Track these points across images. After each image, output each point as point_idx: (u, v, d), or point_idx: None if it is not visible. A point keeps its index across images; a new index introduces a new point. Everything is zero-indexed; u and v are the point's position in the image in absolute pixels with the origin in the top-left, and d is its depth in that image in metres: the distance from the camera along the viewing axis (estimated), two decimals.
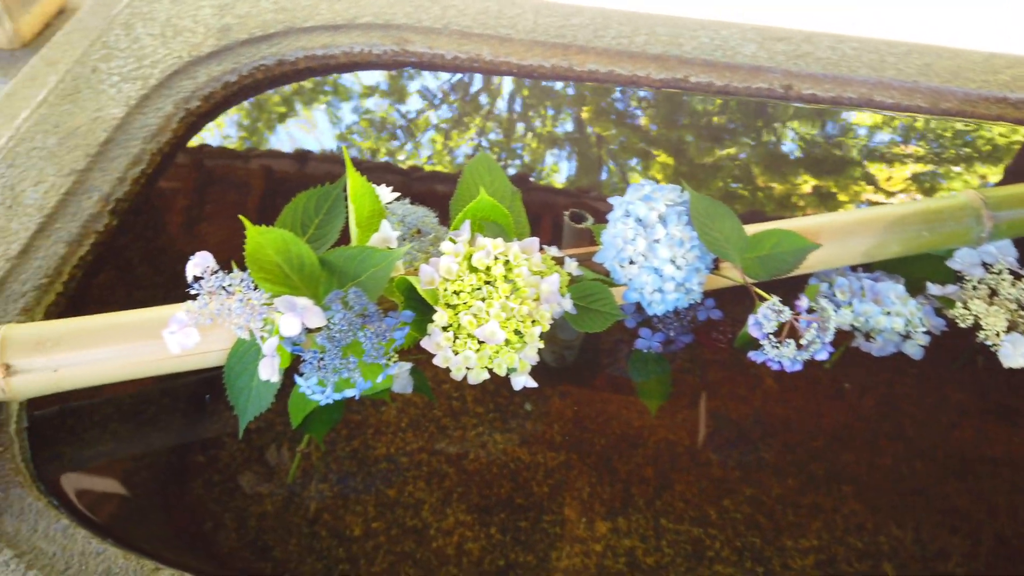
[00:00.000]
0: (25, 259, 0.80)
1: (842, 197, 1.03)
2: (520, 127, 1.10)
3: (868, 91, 1.06)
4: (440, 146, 1.06)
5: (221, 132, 1.03)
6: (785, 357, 0.67)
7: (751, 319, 0.69)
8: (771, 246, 0.79)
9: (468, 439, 0.76)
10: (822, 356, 0.68)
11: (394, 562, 0.68)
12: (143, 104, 0.96)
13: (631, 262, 0.75)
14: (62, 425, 0.75)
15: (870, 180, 1.05)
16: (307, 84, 1.11)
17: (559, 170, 1.06)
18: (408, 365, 0.78)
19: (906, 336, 0.81)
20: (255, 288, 0.63)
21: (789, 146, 1.08)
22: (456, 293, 0.68)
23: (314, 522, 0.70)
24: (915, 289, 0.85)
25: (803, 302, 0.69)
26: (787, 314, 0.67)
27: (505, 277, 0.68)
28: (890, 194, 1.04)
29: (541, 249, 0.78)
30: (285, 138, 1.06)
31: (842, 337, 0.84)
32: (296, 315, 0.62)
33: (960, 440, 0.80)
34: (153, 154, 0.94)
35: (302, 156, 1.04)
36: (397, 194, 0.77)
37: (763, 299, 0.72)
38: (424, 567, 0.67)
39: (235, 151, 1.02)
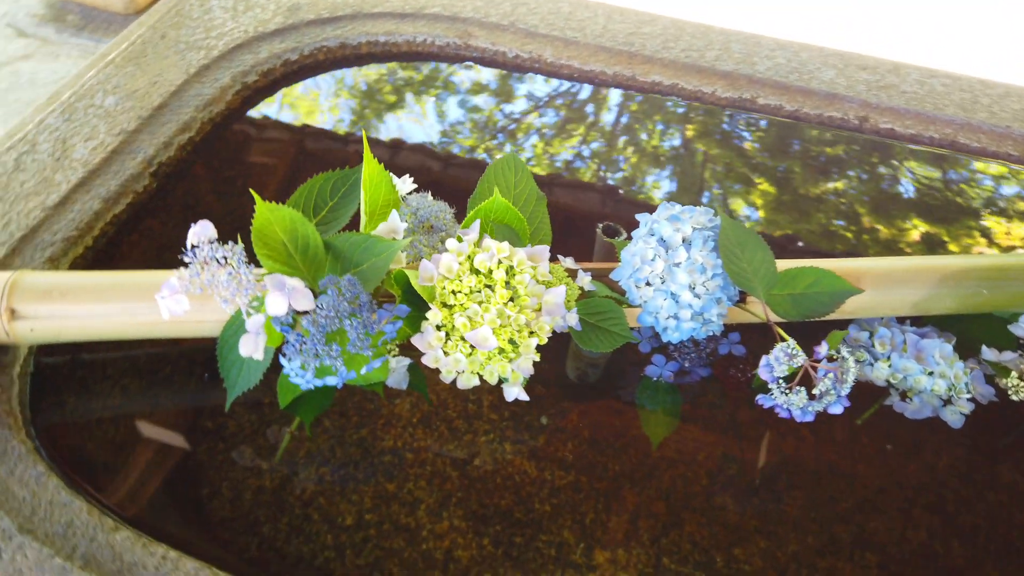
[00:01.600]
0: (61, 211, 0.82)
1: (952, 247, 0.96)
2: (623, 139, 1.06)
3: (953, 132, 0.98)
4: (540, 150, 1.03)
5: (275, 109, 1.04)
6: (795, 405, 0.62)
7: (763, 360, 0.64)
8: (806, 285, 0.73)
9: (477, 444, 0.74)
10: (836, 410, 0.63)
11: (380, 558, 0.66)
12: (202, 73, 0.98)
13: (647, 284, 0.71)
14: (72, 375, 0.77)
15: (985, 232, 0.96)
16: (413, 73, 1.11)
17: (659, 187, 1.01)
18: (407, 361, 0.76)
19: (947, 401, 0.74)
20: (247, 263, 0.62)
21: (902, 187, 1.01)
22: (454, 293, 0.66)
23: (308, 504, 0.69)
24: (968, 351, 0.78)
25: (822, 348, 0.63)
26: (801, 359, 0.62)
27: (506, 283, 0.66)
28: (1007, 249, 0.95)
29: (556, 259, 0.75)
30: (337, 121, 1.06)
31: (877, 393, 0.77)
32: (284, 295, 0.61)
33: (1007, 524, 0.72)
34: (203, 123, 0.95)
35: (352, 141, 1.04)
36: (415, 185, 0.75)
37: (784, 340, 0.66)
38: (409, 568, 0.65)
39: (285, 129, 1.03)
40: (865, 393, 0.77)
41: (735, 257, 0.70)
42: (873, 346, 0.77)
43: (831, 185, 0.99)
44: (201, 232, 0.63)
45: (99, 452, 0.72)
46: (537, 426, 0.75)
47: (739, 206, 0.97)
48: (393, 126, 1.06)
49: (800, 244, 0.94)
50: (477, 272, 0.66)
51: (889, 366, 0.75)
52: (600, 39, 1.06)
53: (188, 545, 0.65)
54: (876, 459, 0.75)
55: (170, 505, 0.70)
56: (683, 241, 0.70)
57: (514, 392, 0.68)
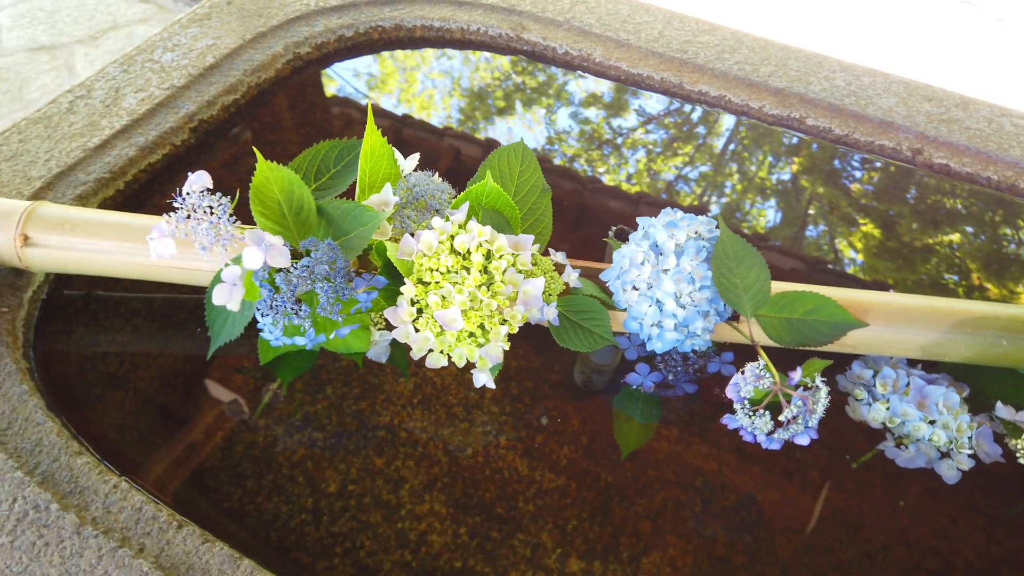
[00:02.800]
0: (99, 153, 0.87)
1: None
2: (732, 165, 1.03)
3: (1014, 176, 0.92)
4: (642, 166, 1.02)
5: (323, 82, 1.07)
6: (759, 430, 0.59)
7: (733, 378, 0.61)
8: (805, 311, 0.70)
9: (473, 434, 0.74)
10: (802, 440, 0.59)
11: (355, 529, 0.67)
12: (257, 40, 1.02)
13: (634, 288, 0.69)
14: (84, 308, 0.81)
15: None
16: (457, 61, 1.12)
17: (764, 216, 0.97)
18: (391, 335, 0.76)
19: (945, 454, 0.69)
20: (231, 215, 0.64)
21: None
22: (431, 271, 0.65)
23: (296, 466, 0.70)
24: (982, 406, 0.72)
25: (795, 375, 0.60)
26: (769, 381, 0.58)
27: (483, 267, 0.65)
28: None
29: (546, 253, 0.74)
30: (381, 100, 1.07)
31: (875, 438, 0.72)
32: (260, 250, 0.63)
33: None
34: (250, 87, 0.98)
35: (394, 120, 1.06)
36: (415, 162, 0.76)
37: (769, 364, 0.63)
38: (382, 543, 0.65)
39: (329, 102, 1.05)
40: (864, 433, 0.73)
41: (728, 271, 0.68)
42: (875, 386, 0.72)
43: (943, 236, 0.93)
44: (196, 181, 0.65)
45: (95, 383, 0.75)
46: (536, 425, 0.74)
47: (842, 247, 0.93)
48: (436, 110, 1.07)
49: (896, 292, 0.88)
50: (456, 253, 0.66)
51: (887, 408, 0.70)
52: (653, 44, 1.04)
53: (166, 486, 0.68)
54: (886, 514, 0.70)
55: (159, 446, 0.72)
56: (676, 248, 0.68)
57: (482, 378, 0.68)
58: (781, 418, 0.59)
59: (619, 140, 1.03)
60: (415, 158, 0.77)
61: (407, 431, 0.73)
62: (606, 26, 1.07)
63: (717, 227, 0.71)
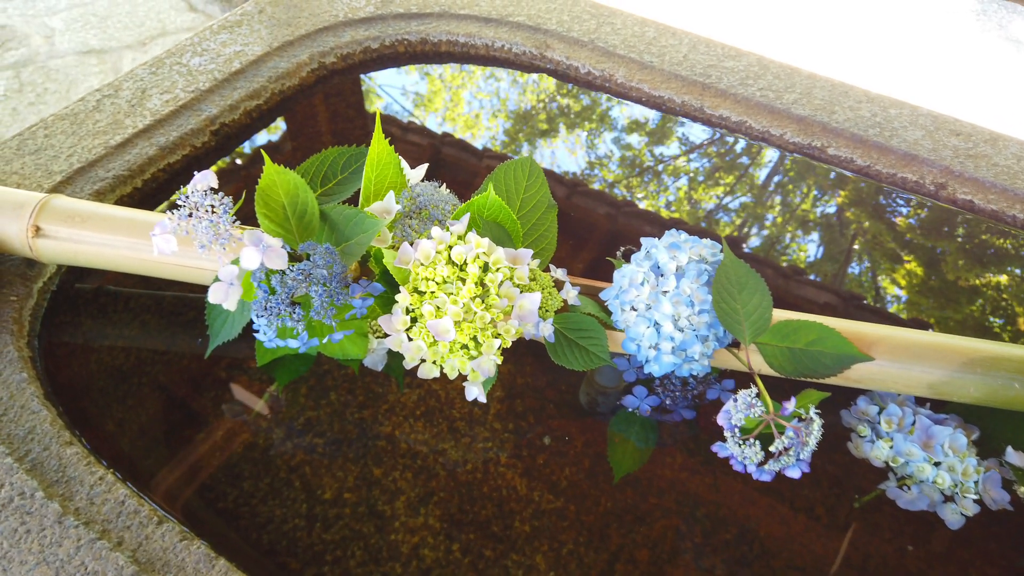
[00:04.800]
0: (120, 151, 0.88)
1: None
2: (775, 197, 1.01)
3: None
4: (683, 194, 1.01)
5: (346, 92, 1.08)
6: (749, 459, 0.57)
7: (725, 405, 0.60)
8: (808, 341, 0.68)
9: (473, 450, 0.73)
10: (793, 473, 0.57)
11: (347, 537, 0.66)
12: (284, 48, 1.03)
13: (632, 308, 0.68)
14: (94, 302, 0.82)
15: None
16: (482, 76, 1.13)
17: (805, 251, 0.94)
18: (387, 343, 0.76)
19: (949, 498, 0.66)
20: (232, 216, 0.64)
21: None
22: (427, 280, 0.65)
23: (294, 470, 0.70)
24: (992, 450, 0.69)
25: (789, 404, 0.58)
26: (760, 410, 0.57)
27: (480, 279, 0.65)
28: None
29: (546, 270, 0.73)
30: (402, 114, 1.08)
31: (877, 477, 0.70)
32: (258, 251, 0.63)
33: None
34: (274, 93, 1.00)
35: (413, 133, 1.06)
36: (423, 173, 0.76)
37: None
38: (372, 553, 0.65)
39: (351, 112, 1.06)
40: (867, 471, 0.71)
41: (729, 296, 0.66)
42: (880, 423, 0.70)
43: (990, 277, 0.90)
44: (201, 180, 0.66)
45: (99, 376, 0.76)
46: (538, 445, 0.73)
47: (884, 283, 0.90)
48: (456, 126, 1.08)
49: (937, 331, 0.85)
50: (453, 263, 0.65)
51: (891, 447, 0.68)
52: (677, 67, 1.04)
53: (161, 482, 0.68)
54: (892, 559, 0.67)
55: (158, 442, 0.72)
56: (677, 270, 0.67)
57: (473, 391, 0.67)
58: (772, 448, 0.58)
59: (657, 166, 1.02)
60: (422, 169, 0.77)
61: (407, 443, 0.72)
62: (630, 47, 1.07)
63: (721, 251, 0.69)
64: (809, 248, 0.94)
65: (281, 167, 0.68)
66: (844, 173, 0.97)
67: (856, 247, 0.93)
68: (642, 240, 0.71)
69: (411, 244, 0.68)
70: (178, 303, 0.83)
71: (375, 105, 1.09)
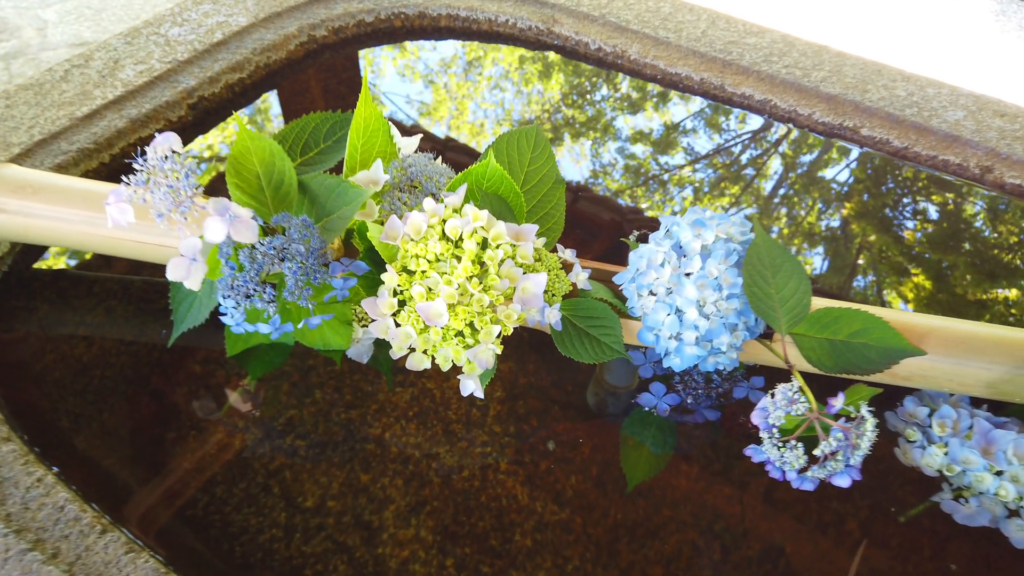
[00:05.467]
0: (87, 123, 0.81)
1: None
2: (781, 210, 0.93)
3: None
4: (701, 183, 0.93)
5: (339, 68, 1.00)
6: (789, 465, 0.49)
7: (760, 401, 0.52)
8: (850, 332, 0.60)
9: (471, 455, 0.66)
10: (842, 482, 0.49)
11: (329, 550, 0.60)
12: (271, 20, 0.96)
13: (651, 293, 0.60)
14: (52, 284, 0.74)
15: None
16: (486, 54, 1.05)
17: (811, 264, 0.88)
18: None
19: (1014, 512, 0.58)
20: (195, 180, 0.56)
21: None
22: (417, 257, 0.57)
23: (272, 475, 0.64)
24: None
25: (836, 401, 0.50)
26: (803, 407, 0.48)
27: (477, 257, 0.57)
28: None
29: (553, 251, 0.65)
30: (400, 96, 1.01)
31: (928, 487, 0.62)
32: (224, 222, 0.55)
33: None
34: (259, 67, 0.93)
35: (416, 118, 0.99)
36: (416, 144, 0.68)
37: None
38: (357, 568, 0.59)
39: (343, 91, 0.99)
40: (915, 481, 0.64)
41: (761, 279, 0.58)
42: (931, 426, 0.62)
43: (999, 292, 0.84)
44: (162, 141, 0.58)
45: (55, 367, 0.69)
46: (542, 450, 0.67)
47: (890, 298, 0.84)
48: (456, 112, 1.00)
49: None
50: (447, 239, 0.57)
51: (945, 453, 0.60)
52: (695, 43, 0.96)
53: (121, 486, 0.61)
54: None
55: (121, 441, 0.65)
56: (702, 250, 0.59)
57: (469, 386, 0.59)
58: (817, 452, 0.49)
59: (673, 153, 0.94)
60: (416, 139, 0.69)
61: (399, 446, 0.66)
62: (644, 23, 0.99)
63: (752, 230, 0.61)
64: (814, 262, 0.86)
65: (256, 132, 0.61)
66: (879, 155, 0.89)
67: (861, 261, 0.85)
68: (661, 218, 0.63)
69: (400, 218, 0.59)
70: (149, 289, 0.76)
71: (372, 86, 1.01)
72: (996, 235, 0.88)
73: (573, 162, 0.94)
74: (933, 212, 0.89)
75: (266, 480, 0.63)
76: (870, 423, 0.48)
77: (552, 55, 1.04)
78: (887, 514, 0.62)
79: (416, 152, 0.68)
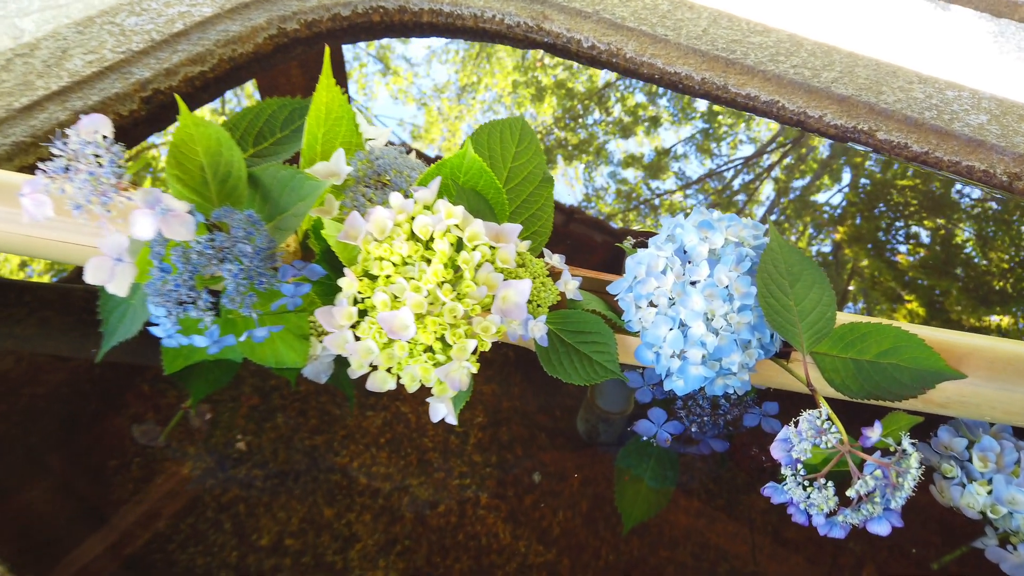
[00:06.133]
0: (25, 115, 0.74)
1: None
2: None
3: None
4: (706, 188, 0.87)
5: (311, 65, 0.93)
6: (816, 507, 0.41)
7: (782, 431, 0.44)
8: (880, 351, 0.52)
9: (448, 487, 0.60)
10: (880, 529, 0.41)
11: None
12: (237, 11, 0.89)
13: (651, 304, 0.52)
14: None
15: None
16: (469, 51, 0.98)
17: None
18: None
19: None
20: (121, 169, 0.48)
21: None
22: (381, 260, 0.49)
23: (224, 509, 0.58)
24: None
25: (872, 433, 0.42)
26: (834, 439, 0.40)
27: (451, 260, 0.49)
28: None
29: (540, 256, 0.57)
30: (379, 99, 0.93)
31: (967, 530, 0.54)
32: (154, 216, 0.47)
33: None
34: (222, 59, 0.85)
35: (396, 125, 0.92)
36: (387, 138, 0.60)
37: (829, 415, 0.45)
38: None
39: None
40: (953, 525, 0.56)
41: (778, 289, 0.50)
42: (971, 460, 0.54)
43: (993, 319, 0.79)
44: (87, 124, 0.50)
45: None
46: (526, 482, 0.61)
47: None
48: (443, 121, 0.93)
49: None
50: (416, 239, 0.50)
51: (989, 492, 0.52)
52: (696, 42, 0.89)
53: (46, 520, 0.55)
54: None
55: (50, 468, 0.58)
56: (710, 255, 0.51)
57: (440, 410, 0.51)
58: (850, 493, 0.41)
59: (668, 163, 0.87)
60: (387, 132, 0.61)
61: (368, 477, 0.60)
62: (641, 20, 0.92)
63: (766, 234, 0.53)
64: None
65: (202, 118, 0.53)
66: (896, 160, 0.82)
67: (852, 288, 0.78)
68: (662, 219, 0.56)
69: (363, 215, 0.52)
70: (92, 298, 0.67)
71: (348, 86, 0.94)
72: (995, 260, 0.81)
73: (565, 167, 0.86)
74: (995, 191, 0.82)
75: (217, 514, 0.57)
76: (914, 459, 0.40)
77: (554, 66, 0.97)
78: (911, 557, 0.55)
79: (388, 145, 0.60)
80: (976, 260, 0.84)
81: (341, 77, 0.95)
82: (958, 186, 0.84)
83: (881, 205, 0.86)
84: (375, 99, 0.95)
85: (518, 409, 0.66)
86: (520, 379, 0.67)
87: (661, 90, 0.92)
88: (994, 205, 0.83)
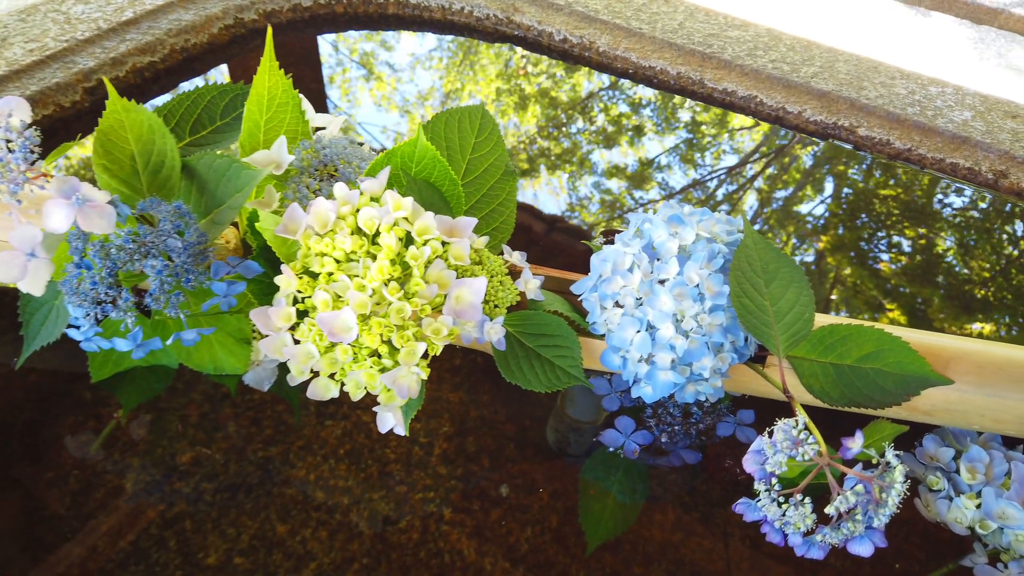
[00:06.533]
0: None
1: None
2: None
3: None
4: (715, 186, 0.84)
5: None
6: (793, 525, 0.37)
7: (755, 442, 0.40)
8: (861, 355, 0.48)
9: (411, 501, 0.57)
10: (861, 550, 0.37)
11: None
12: (191, 0, 0.84)
13: (617, 304, 0.48)
14: None
15: None
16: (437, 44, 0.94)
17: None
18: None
19: None
20: (34, 153, 0.44)
21: None
22: (322, 256, 0.45)
23: (169, 525, 0.55)
24: None
25: (853, 443, 0.38)
26: (811, 450, 0.37)
27: (398, 256, 0.45)
28: None
29: (501, 253, 0.54)
30: (344, 95, 0.90)
31: (954, 547, 0.50)
32: (69, 206, 0.43)
33: None
34: (174, 50, 0.81)
35: (359, 120, 0.88)
36: (339, 125, 0.56)
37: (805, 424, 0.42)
38: None
39: None
40: (937, 542, 0.53)
41: (753, 288, 0.47)
42: (958, 471, 0.50)
43: (975, 326, 0.77)
44: (3, 105, 0.46)
45: None
46: (493, 496, 0.58)
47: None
48: (400, 118, 0.89)
49: None
50: (361, 234, 0.46)
51: (978, 506, 0.48)
52: (671, 35, 0.86)
53: None
54: None
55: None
56: (680, 252, 0.47)
57: (388, 420, 0.47)
58: (829, 510, 0.37)
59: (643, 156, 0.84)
60: (340, 119, 0.57)
61: (325, 490, 0.57)
62: (615, 13, 0.89)
63: (740, 230, 0.50)
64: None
65: (133, 103, 0.49)
66: (879, 158, 0.79)
67: (834, 296, 0.75)
68: (628, 216, 0.52)
69: (305, 207, 0.48)
70: None
71: (310, 82, 0.90)
72: (976, 268, 0.79)
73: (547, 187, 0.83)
74: (981, 189, 0.79)
75: (161, 531, 0.54)
76: (899, 472, 0.36)
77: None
78: (894, 572, 0.52)
79: (340, 135, 0.56)
80: (958, 268, 0.82)
81: (316, 75, 0.91)
82: (940, 195, 0.82)
83: (863, 215, 0.84)
84: (359, 105, 0.92)
85: (486, 418, 0.63)
86: (490, 387, 0.65)
87: (645, 100, 0.90)
88: (975, 214, 0.81)
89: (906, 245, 0.83)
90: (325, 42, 0.95)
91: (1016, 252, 0.80)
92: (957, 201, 0.82)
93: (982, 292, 0.79)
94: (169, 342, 0.46)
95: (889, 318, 0.78)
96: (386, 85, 0.93)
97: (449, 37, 0.97)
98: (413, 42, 0.97)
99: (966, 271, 0.81)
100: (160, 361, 0.53)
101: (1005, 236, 0.81)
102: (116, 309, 0.44)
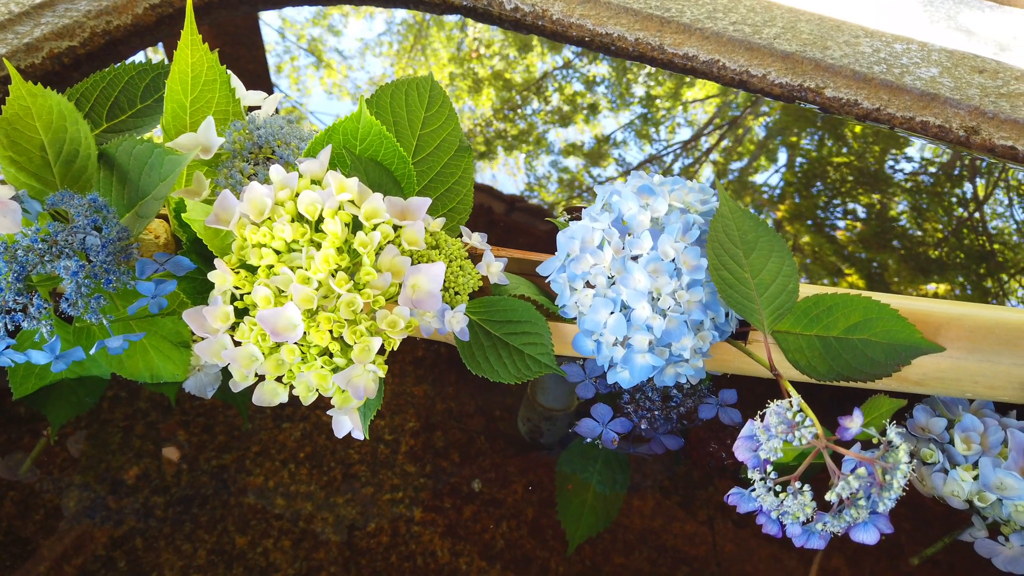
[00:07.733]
0: None
1: None
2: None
3: None
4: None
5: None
6: (790, 515, 0.34)
7: (746, 427, 0.37)
8: (848, 326, 0.46)
9: (378, 504, 0.55)
10: (866, 537, 0.35)
11: None
12: None
13: (588, 285, 0.44)
14: None
15: None
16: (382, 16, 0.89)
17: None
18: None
19: None
20: None
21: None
22: (260, 247, 0.41)
23: (119, 544, 0.52)
24: None
25: (852, 423, 0.35)
26: (808, 433, 0.34)
27: (346, 243, 0.41)
28: None
29: (459, 235, 0.50)
30: (279, 74, 0.85)
31: (952, 520, 0.48)
32: None
33: None
34: (95, 33, 0.75)
35: (290, 99, 0.83)
36: (274, 106, 0.52)
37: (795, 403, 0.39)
38: None
39: None
40: (933, 516, 0.52)
41: (732, 261, 0.43)
42: (952, 442, 0.48)
43: (931, 287, 0.76)
44: None
45: None
46: (466, 492, 0.56)
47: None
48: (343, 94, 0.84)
49: None
50: (303, 219, 0.41)
51: (975, 478, 0.46)
52: (629, 0, 0.82)
53: None
54: None
55: None
56: (652, 225, 0.44)
57: (345, 424, 0.43)
58: (830, 497, 0.34)
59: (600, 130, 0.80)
60: (275, 99, 0.53)
61: (286, 497, 0.55)
62: None
63: (715, 197, 0.46)
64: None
65: (39, 87, 0.44)
66: (847, 119, 0.77)
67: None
68: (596, 188, 0.48)
69: (238, 194, 0.43)
70: None
71: (245, 61, 0.84)
72: (931, 230, 0.78)
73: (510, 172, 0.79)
74: (954, 147, 0.78)
75: (109, 551, 0.52)
76: (903, 451, 0.34)
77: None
78: (891, 550, 0.50)
79: (276, 115, 0.52)
80: (911, 231, 0.81)
81: (256, 56, 0.86)
82: (891, 161, 0.82)
83: (818, 183, 0.83)
84: (309, 94, 0.88)
85: (453, 411, 0.61)
86: (455, 378, 0.63)
87: (599, 77, 0.87)
88: (926, 178, 0.81)
89: (861, 211, 0.82)
90: (270, 29, 0.91)
91: (965, 213, 0.79)
92: (908, 166, 0.81)
93: (936, 253, 0.79)
94: (93, 351, 0.41)
95: (848, 282, 0.77)
96: (336, 72, 0.88)
97: (398, 20, 0.93)
98: (361, 26, 0.93)
99: (919, 233, 0.80)
100: (90, 372, 0.48)
101: (955, 198, 0.80)
102: (28, 318, 0.39)
